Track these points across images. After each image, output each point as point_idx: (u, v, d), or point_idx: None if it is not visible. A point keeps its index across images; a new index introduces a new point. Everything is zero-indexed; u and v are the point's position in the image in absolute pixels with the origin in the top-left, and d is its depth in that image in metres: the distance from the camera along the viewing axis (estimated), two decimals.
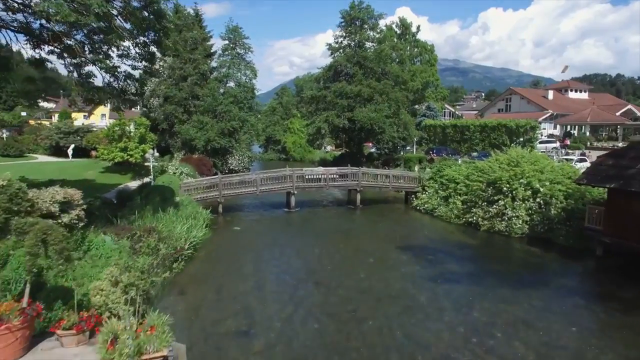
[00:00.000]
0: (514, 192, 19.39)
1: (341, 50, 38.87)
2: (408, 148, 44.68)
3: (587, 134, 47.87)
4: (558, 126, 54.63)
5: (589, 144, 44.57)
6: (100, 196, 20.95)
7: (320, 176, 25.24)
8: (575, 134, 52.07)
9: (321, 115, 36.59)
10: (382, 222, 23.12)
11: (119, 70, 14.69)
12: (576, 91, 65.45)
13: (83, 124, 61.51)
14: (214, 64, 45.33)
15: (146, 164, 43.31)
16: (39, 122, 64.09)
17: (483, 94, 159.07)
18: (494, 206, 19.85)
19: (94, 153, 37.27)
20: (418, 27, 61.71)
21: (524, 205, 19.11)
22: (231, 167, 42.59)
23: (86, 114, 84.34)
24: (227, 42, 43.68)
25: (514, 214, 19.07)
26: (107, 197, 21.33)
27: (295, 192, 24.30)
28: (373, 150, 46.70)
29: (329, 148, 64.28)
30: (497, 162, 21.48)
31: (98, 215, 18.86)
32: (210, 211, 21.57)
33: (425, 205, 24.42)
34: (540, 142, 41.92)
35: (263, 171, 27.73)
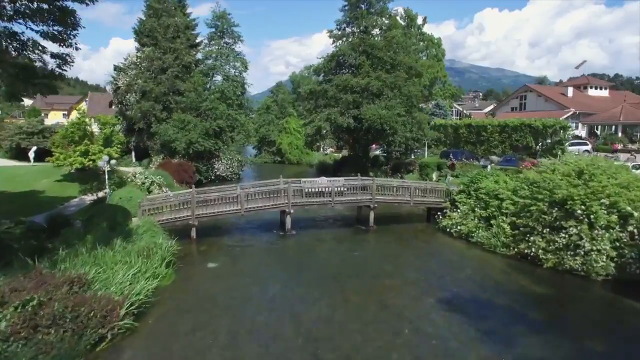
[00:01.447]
0: (591, 216, 14.12)
1: (344, 38, 33.50)
2: (418, 151, 39.40)
3: (620, 134, 42.81)
4: (580, 125, 49.67)
5: (621, 145, 39.52)
6: (25, 220, 15.44)
7: (323, 189, 19.86)
8: (599, 134, 47.18)
9: (322, 113, 31.24)
10: (406, 254, 17.72)
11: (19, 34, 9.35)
12: (596, 88, 60.43)
13: (59, 123, 55.97)
14: (199, 56, 39.84)
15: (122, 169, 37.78)
16: (11, 120, 58.13)
17: (481, 94, 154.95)
18: (562, 235, 14.56)
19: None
20: (424, 20, 56.57)
21: (607, 235, 13.86)
22: (218, 173, 37.17)
23: (65, 112, 78.57)
24: (213, 30, 38.24)
25: (593, 247, 13.81)
26: (37, 221, 15.81)
27: (292, 212, 18.93)
28: (378, 153, 41.39)
29: (329, 150, 58.97)
30: (559, 173, 16.21)
31: (18, 248, 13.50)
32: (180, 238, 16.13)
33: (459, 228, 19.06)
34: (570, 144, 36.86)
35: (250, 184, 22.18)
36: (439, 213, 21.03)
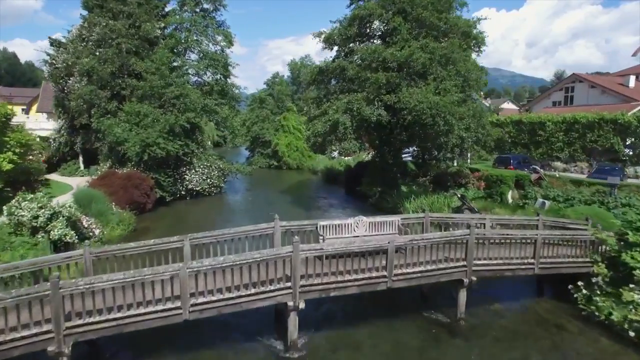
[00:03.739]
0: None
1: None
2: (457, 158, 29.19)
3: None
4: None
5: None
6: None
7: (364, 249, 9.37)
8: None
9: (339, 100, 20.87)
10: None
11: None
12: None
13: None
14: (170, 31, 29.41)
15: (63, 180, 27.39)
16: None
17: (482, 93, 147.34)
18: None
19: None
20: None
21: None
22: (190, 187, 26.82)
23: (25, 106, 67.81)
24: None
25: None
26: None
27: (302, 306, 8.58)
28: (405, 158, 31.07)
29: (335, 154, 48.60)
30: None
31: None
32: None
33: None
34: None
35: (210, 235, 11.16)
36: (579, 283, 10.82)
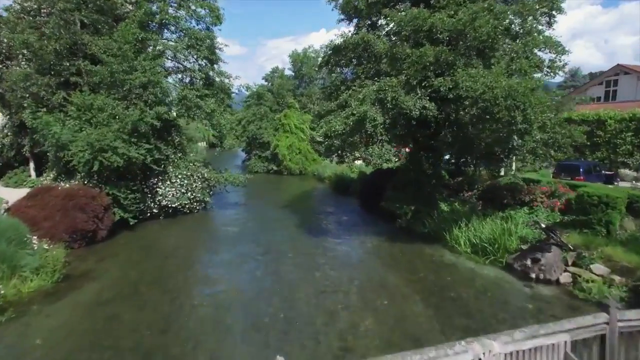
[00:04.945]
0: None
1: None
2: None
3: None
4: None
5: None
6: None
7: None
8: None
9: (364, 88, 14.64)
10: None
11: None
12: None
13: None
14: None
15: (6, 191, 21.22)
16: None
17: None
18: None
19: None
20: None
21: None
22: (165, 203, 20.67)
23: None
24: None
25: None
26: None
27: None
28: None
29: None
30: None
31: None
32: None
33: None
34: None
35: None
36: None
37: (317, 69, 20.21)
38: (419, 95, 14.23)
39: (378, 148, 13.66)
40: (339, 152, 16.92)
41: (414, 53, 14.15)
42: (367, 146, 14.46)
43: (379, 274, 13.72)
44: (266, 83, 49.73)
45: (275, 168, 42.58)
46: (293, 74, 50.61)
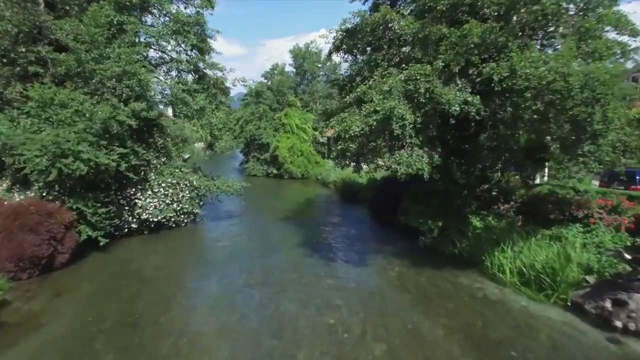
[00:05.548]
0: None
1: None
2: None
3: None
4: None
5: None
6: None
7: None
8: None
9: (389, 77, 11.49)
10: None
11: None
12: None
13: None
14: None
15: None
16: None
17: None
18: None
19: None
20: None
21: None
22: (145, 217, 17.57)
23: None
24: None
25: None
26: None
27: None
28: None
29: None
30: None
31: None
32: None
33: None
34: None
35: None
36: None
37: (326, 56, 16.73)
38: (460, 86, 11.09)
39: (407, 154, 10.69)
40: (356, 158, 13.70)
41: (452, 33, 11.01)
42: (391, 151, 11.38)
43: (409, 318, 10.55)
44: (265, 81, 46.51)
45: (275, 171, 39.45)
46: (294, 70, 47.36)
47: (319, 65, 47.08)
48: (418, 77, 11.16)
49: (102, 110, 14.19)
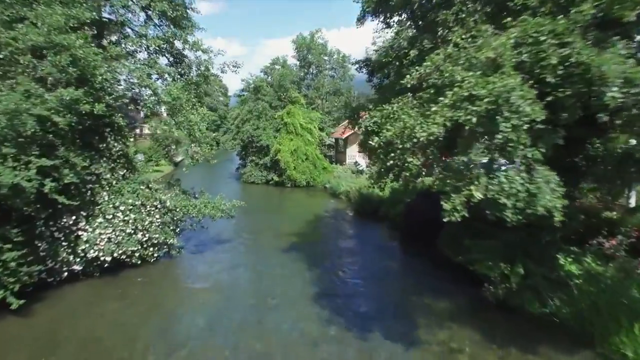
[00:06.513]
0: None
1: None
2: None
3: None
4: None
5: None
6: None
7: None
8: None
9: (495, 38, 6.31)
10: None
11: None
12: None
13: None
14: None
15: None
16: None
17: None
18: None
19: None
20: None
21: None
22: (94, 255, 12.25)
23: None
24: None
25: None
26: None
27: None
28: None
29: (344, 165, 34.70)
30: None
31: None
32: None
33: None
34: None
35: None
36: None
37: (356, 22, 11.31)
38: (625, 54, 5.93)
39: (522, 178, 6.01)
40: (415, 178, 8.46)
41: None
42: (487, 171, 6.51)
43: None
44: (265, 76, 41.03)
45: (276, 178, 34.24)
46: (298, 62, 41.96)
47: (326, 58, 41.84)
48: (543, 39, 5.98)
49: (5, 100, 8.97)
